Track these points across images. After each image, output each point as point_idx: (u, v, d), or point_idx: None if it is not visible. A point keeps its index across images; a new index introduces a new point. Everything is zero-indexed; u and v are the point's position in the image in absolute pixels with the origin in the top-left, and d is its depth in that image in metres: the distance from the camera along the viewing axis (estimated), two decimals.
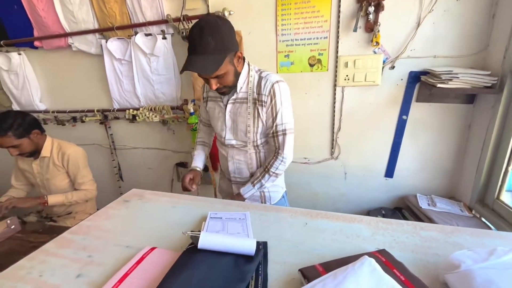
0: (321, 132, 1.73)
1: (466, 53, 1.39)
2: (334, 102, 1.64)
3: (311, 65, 1.61)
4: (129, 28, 1.78)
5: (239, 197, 1.13)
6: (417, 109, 1.54)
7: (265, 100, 1.01)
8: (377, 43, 1.44)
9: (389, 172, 1.70)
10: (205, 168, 1.83)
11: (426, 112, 1.54)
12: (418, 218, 1.48)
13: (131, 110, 1.95)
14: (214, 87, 0.96)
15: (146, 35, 1.76)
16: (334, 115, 1.67)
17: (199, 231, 0.64)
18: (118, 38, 1.82)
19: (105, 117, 2.08)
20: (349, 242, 0.72)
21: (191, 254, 0.62)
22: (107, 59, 1.88)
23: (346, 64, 1.54)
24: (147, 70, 1.84)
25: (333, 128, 1.70)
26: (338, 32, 1.50)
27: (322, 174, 1.82)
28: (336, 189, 1.84)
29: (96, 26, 1.84)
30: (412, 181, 1.68)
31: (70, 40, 1.91)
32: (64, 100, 2.16)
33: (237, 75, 1.00)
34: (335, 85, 1.61)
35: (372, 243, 0.70)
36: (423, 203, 1.50)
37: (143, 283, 0.57)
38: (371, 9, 1.38)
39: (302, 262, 0.62)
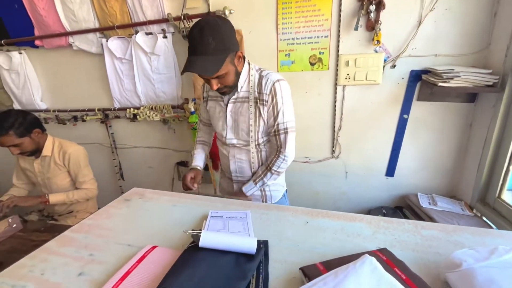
0: (322, 131, 1.73)
1: (467, 51, 1.38)
2: (335, 101, 1.64)
3: (312, 64, 1.60)
4: (129, 27, 1.78)
5: (241, 194, 1.13)
6: (418, 108, 1.54)
7: (266, 99, 1.01)
8: (378, 41, 1.43)
9: (390, 171, 1.70)
10: (205, 167, 1.83)
11: (427, 111, 1.53)
12: (419, 217, 1.48)
13: (131, 109, 1.95)
14: (215, 87, 0.96)
15: (147, 34, 1.76)
16: (335, 114, 1.67)
17: (200, 230, 0.64)
18: (119, 37, 1.82)
19: (106, 116, 2.08)
20: (350, 241, 0.72)
21: (192, 253, 0.62)
22: (108, 58, 1.88)
23: (347, 63, 1.53)
24: (147, 69, 1.84)
25: (334, 127, 1.69)
26: (339, 30, 1.50)
27: (323, 173, 1.82)
28: (337, 188, 1.84)
29: (97, 25, 1.84)
30: (413, 180, 1.68)
31: (70, 39, 1.91)
32: (65, 99, 2.17)
33: (237, 74, 1.00)
34: (336, 84, 1.60)
35: (373, 242, 0.70)
36: (424, 202, 1.50)
37: (145, 281, 0.57)
38: (372, 7, 1.37)
39: (303, 261, 0.62)
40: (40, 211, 1.66)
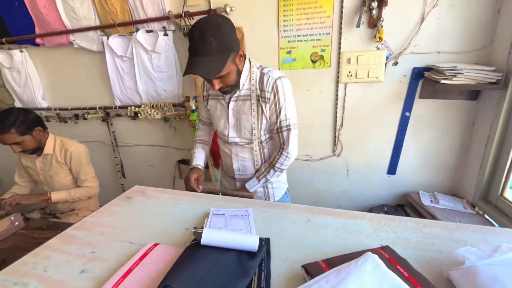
0: (323, 129, 1.72)
1: (470, 48, 1.37)
2: (337, 99, 1.63)
3: (314, 62, 1.60)
4: (130, 25, 1.77)
5: (244, 190, 1.13)
6: (420, 106, 1.53)
7: (268, 97, 1.01)
8: (380, 39, 1.42)
9: (392, 169, 1.69)
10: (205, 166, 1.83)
11: (429, 108, 1.53)
12: (420, 215, 1.48)
13: (133, 107, 1.95)
14: (217, 87, 0.95)
15: (148, 32, 1.75)
16: (336, 112, 1.66)
17: (202, 228, 0.64)
18: (120, 35, 1.82)
19: (107, 114, 2.08)
20: (352, 238, 0.71)
21: (194, 250, 0.62)
22: (109, 56, 1.88)
23: (348, 60, 1.52)
24: (148, 67, 1.84)
25: (335, 124, 1.69)
26: (340, 28, 1.49)
27: (324, 171, 1.81)
28: (338, 186, 1.84)
29: (98, 23, 1.83)
30: (414, 178, 1.68)
31: (71, 37, 1.91)
32: (66, 97, 2.17)
33: (239, 73, 0.99)
34: (337, 82, 1.59)
35: (375, 240, 0.70)
36: (425, 200, 1.50)
37: (146, 279, 0.58)
38: (374, 4, 1.36)
39: (305, 259, 0.61)
40: (42, 209, 1.67)
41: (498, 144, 1.30)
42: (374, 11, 1.38)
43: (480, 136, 1.42)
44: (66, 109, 2.13)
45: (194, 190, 1.11)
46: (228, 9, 1.58)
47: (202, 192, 1.10)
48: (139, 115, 1.94)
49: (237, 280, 0.55)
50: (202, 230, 0.63)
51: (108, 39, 1.81)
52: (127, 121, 2.09)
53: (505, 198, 1.28)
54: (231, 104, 1.07)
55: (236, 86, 1.01)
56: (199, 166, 1.20)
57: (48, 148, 1.53)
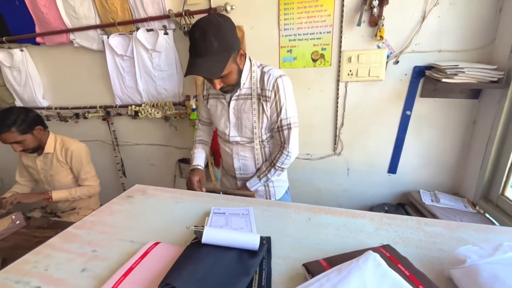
0: (324, 127, 1.72)
1: (472, 47, 1.37)
2: (337, 98, 1.63)
3: (314, 60, 1.59)
4: (130, 24, 1.77)
5: (245, 188, 1.13)
6: (421, 105, 1.53)
7: (269, 95, 1.00)
8: (381, 37, 1.42)
9: (392, 168, 1.69)
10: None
11: (430, 107, 1.52)
12: (421, 214, 1.48)
13: (133, 106, 1.95)
14: (218, 87, 0.94)
15: (148, 30, 1.75)
16: (337, 111, 1.66)
17: (203, 226, 0.64)
18: (120, 34, 1.81)
19: (108, 113, 2.08)
20: (353, 237, 0.71)
21: (195, 249, 0.62)
22: (109, 55, 1.88)
23: (349, 59, 1.52)
24: (149, 66, 1.84)
25: (336, 123, 1.69)
26: (341, 26, 1.49)
27: (325, 170, 1.81)
28: (338, 185, 1.84)
29: (98, 22, 1.83)
30: (415, 177, 1.67)
31: (71, 36, 1.90)
32: (67, 96, 2.17)
33: (240, 72, 0.99)
34: (338, 81, 1.59)
35: (375, 239, 0.70)
36: (426, 199, 1.50)
37: (147, 277, 0.58)
38: (375, 2, 1.36)
39: (306, 257, 0.61)
40: (43, 208, 1.67)
41: (499, 143, 1.29)
42: (375, 10, 1.38)
43: (481, 135, 1.42)
44: (67, 108, 2.13)
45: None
46: (228, 8, 1.57)
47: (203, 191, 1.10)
48: (139, 114, 1.94)
49: (238, 279, 0.55)
50: (203, 229, 0.63)
51: (108, 38, 1.81)
52: (128, 120, 2.09)
53: (506, 197, 1.28)
54: (232, 103, 1.06)
55: (237, 85, 1.01)
56: (199, 167, 1.19)
57: (48, 147, 1.53)
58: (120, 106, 2.02)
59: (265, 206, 0.88)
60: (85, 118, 2.12)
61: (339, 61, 1.55)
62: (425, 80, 1.47)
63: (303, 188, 1.88)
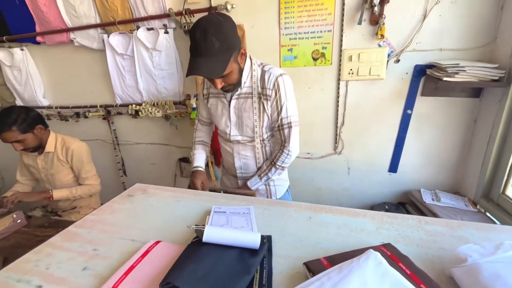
0: (324, 126, 1.72)
1: (473, 45, 1.36)
2: (338, 97, 1.63)
3: (315, 59, 1.59)
4: (131, 23, 1.77)
5: (246, 187, 1.13)
6: (422, 103, 1.53)
7: (270, 94, 1.00)
8: (382, 36, 1.41)
9: (393, 167, 1.69)
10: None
11: (431, 106, 1.52)
12: (422, 213, 1.47)
13: (133, 105, 1.95)
14: (219, 86, 0.94)
15: (148, 29, 1.75)
16: (337, 110, 1.65)
17: (204, 225, 0.64)
18: (120, 33, 1.81)
19: (108, 112, 2.08)
20: (354, 236, 0.71)
21: (196, 248, 0.62)
22: (109, 54, 1.88)
23: (350, 58, 1.52)
24: (149, 65, 1.83)
25: (336, 122, 1.68)
26: (342, 25, 1.48)
27: (326, 169, 1.81)
28: (339, 184, 1.83)
29: (98, 21, 1.83)
30: (416, 176, 1.67)
31: (72, 35, 1.90)
32: (67, 95, 2.17)
33: (241, 71, 0.99)
34: (339, 79, 1.59)
35: (376, 237, 0.70)
36: (427, 198, 1.50)
37: (148, 276, 0.58)
38: (376, 1, 1.35)
39: (307, 256, 0.61)
40: (44, 207, 1.68)
41: (500, 142, 1.29)
42: (375, 8, 1.37)
43: (482, 134, 1.42)
44: (67, 108, 2.13)
45: None
46: (229, 7, 1.57)
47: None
48: (140, 113, 1.94)
49: (239, 277, 0.55)
50: (204, 228, 0.63)
51: (108, 37, 1.81)
52: (128, 119, 2.09)
53: (507, 196, 1.28)
54: (233, 102, 1.06)
55: (238, 84, 1.01)
56: (200, 169, 1.19)
57: (49, 146, 1.53)
58: (121, 105, 2.02)
59: (266, 205, 0.88)
60: (86, 117, 2.12)
61: (340, 60, 1.55)
62: (426, 79, 1.47)
63: (304, 187, 1.88)
